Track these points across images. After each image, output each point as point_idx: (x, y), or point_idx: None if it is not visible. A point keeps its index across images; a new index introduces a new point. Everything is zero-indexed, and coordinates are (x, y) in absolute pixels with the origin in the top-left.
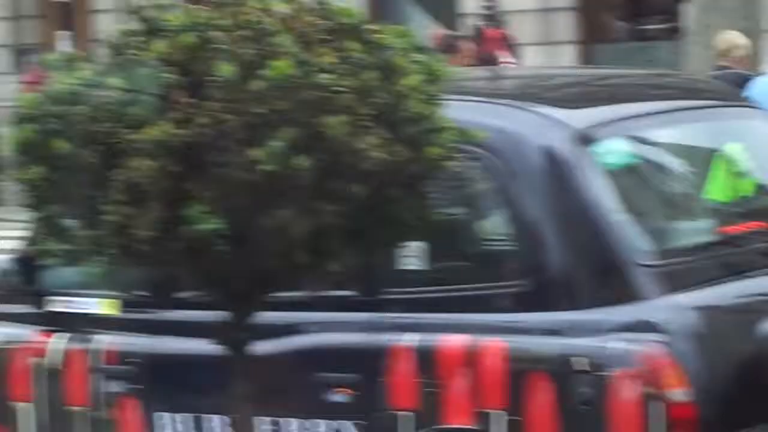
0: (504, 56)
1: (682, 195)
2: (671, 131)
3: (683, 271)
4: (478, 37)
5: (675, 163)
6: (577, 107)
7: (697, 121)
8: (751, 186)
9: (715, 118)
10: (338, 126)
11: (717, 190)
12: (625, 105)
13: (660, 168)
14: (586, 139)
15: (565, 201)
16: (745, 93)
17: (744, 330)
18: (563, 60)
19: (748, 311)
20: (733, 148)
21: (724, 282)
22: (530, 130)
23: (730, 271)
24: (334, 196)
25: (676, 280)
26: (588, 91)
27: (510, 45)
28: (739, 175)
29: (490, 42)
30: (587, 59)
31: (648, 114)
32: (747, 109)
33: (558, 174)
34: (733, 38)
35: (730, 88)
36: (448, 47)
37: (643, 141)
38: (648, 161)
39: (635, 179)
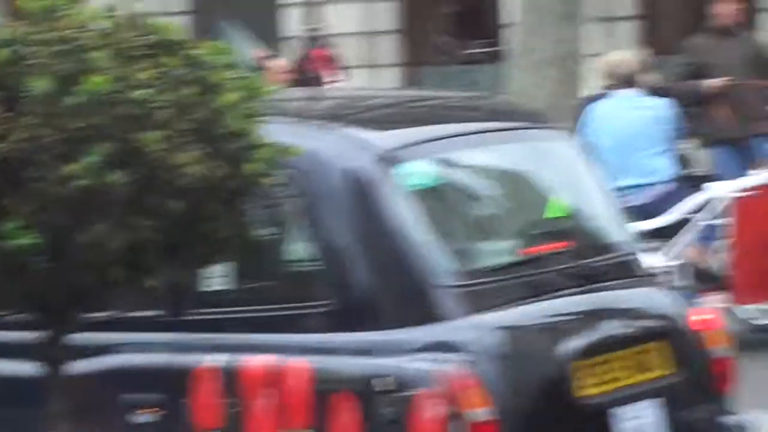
0: (330, 76)
1: (487, 216)
2: (477, 153)
3: (487, 291)
4: (305, 57)
5: (480, 185)
6: (382, 129)
7: (503, 143)
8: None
9: (521, 140)
10: (155, 141)
11: (557, 207)
12: (432, 127)
13: (465, 189)
14: (390, 160)
15: (369, 222)
16: (585, 116)
17: (547, 350)
18: (387, 82)
19: (551, 331)
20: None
21: (528, 302)
22: (334, 152)
23: (534, 292)
24: (150, 211)
25: (479, 301)
26: (396, 112)
27: (337, 65)
28: None
29: (316, 62)
30: (411, 81)
31: (454, 135)
32: (553, 131)
33: (362, 195)
34: (621, 58)
35: (539, 112)
36: (262, 66)
37: (449, 162)
38: (453, 182)
39: (440, 200)
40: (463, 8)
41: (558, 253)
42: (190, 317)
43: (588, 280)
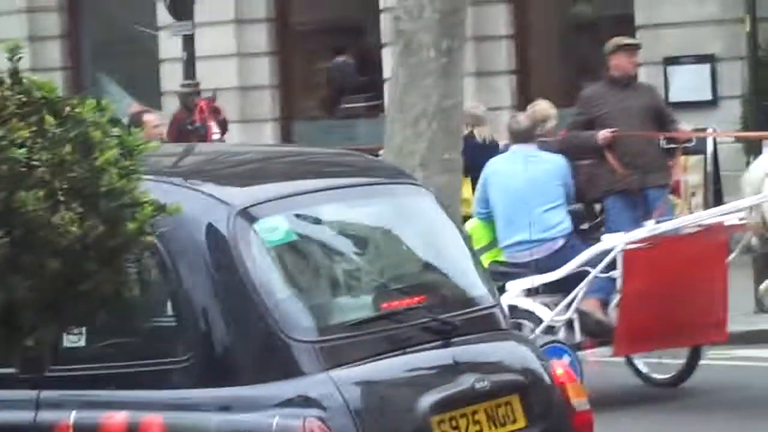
0: (213, 129)
1: (346, 271)
2: (337, 208)
3: (345, 346)
4: (188, 109)
5: (339, 240)
6: (242, 185)
7: (363, 199)
8: (497, 255)
9: (381, 196)
10: (33, 201)
11: None
12: (292, 183)
13: (324, 245)
14: (248, 216)
15: (227, 278)
16: (485, 170)
17: (405, 404)
18: (265, 137)
19: (410, 385)
20: (470, 226)
21: (386, 357)
22: (192, 208)
23: (393, 346)
24: (28, 270)
25: (337, 356)
26: (259, 168)
27: (220, 118)
28: (483, 249)
29: (200, 114)
30: (289, 136)
31: (313, 191)
32: (413, 186)
33: (219, 251)
34: (545, 109)
35: (398, 168)
36: (137, 121)
37: (308, 218)
38: (312, 238)
39: (298, 256)
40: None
41: (417, 308)
42: (51, 374)
43: (447, 334)
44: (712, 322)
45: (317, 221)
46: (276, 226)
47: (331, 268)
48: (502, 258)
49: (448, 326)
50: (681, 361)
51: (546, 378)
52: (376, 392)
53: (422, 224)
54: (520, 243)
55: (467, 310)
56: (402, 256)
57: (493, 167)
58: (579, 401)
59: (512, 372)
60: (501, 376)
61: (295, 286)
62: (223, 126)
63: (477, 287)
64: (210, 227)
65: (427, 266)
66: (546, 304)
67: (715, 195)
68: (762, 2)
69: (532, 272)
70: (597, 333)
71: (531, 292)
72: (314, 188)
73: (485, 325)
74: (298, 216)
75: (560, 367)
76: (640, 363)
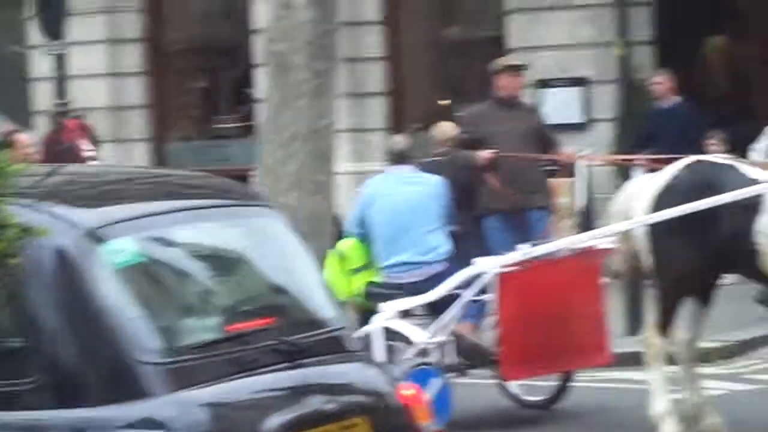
0: (85, 147)
1: (193, 293)
2: (186, 230)
3: (192, 368)
4: (58, 128)
5: (188, 262)
6: (91, 206)
7: (213, 221)
8: (373, 275)
9: (231, 218)
10: None
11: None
12: (143, 204)
13: (172, 266)
14: (95, 237)
15: (75, 299)
16: (363, 190)
17: (252, 426)
18: (136, 157)
19: (256, 407)
20: (345, 246)
21: (233, 378)
22: None
23: (240, 368)
24: None
25: (184, 377)
26: (113, 189)
27: (91, 136)
28: (353, 272)
29: (70, 133)
30: (160, 157)
31: (163, 213)
32: (266, 209)
33: (67, 273)
34: (447, 131)
35: (252, 190)
36: (8, 141)
37: (157, 240)
38: (160, 260)
39: (146, 277)
40: (214, 83)
41: (264, 330)
42: None
43: (294, 355)
44: (594, 344)
45: (168, 243)
46: (124, 247)
47: (180, 289)
48: (377, 279)
49: (295, 348)
50: (552, 383)
51: (393, 400)
52: (222, 414)
53: (273, 247)
54: (400, 264)
55: (315, 332)
56: (252, 278)
57: (372, 188)
58: (425, 424)
59: (359, 394)
60: (348, 398)
61: (142, 308)
62: (94, 143)
63: (325, 309)
64: (57, 248)
65: (277, 288)
66: (420, 326)
67: (587, 218)
68: (634, 26)
69: (409, 294)
70: (472, 356)
71: (405, 314)
72: (166, 209)
73: (333, 347)
74: (148, 237)
75: (408, 389)
76: (512, 384)
